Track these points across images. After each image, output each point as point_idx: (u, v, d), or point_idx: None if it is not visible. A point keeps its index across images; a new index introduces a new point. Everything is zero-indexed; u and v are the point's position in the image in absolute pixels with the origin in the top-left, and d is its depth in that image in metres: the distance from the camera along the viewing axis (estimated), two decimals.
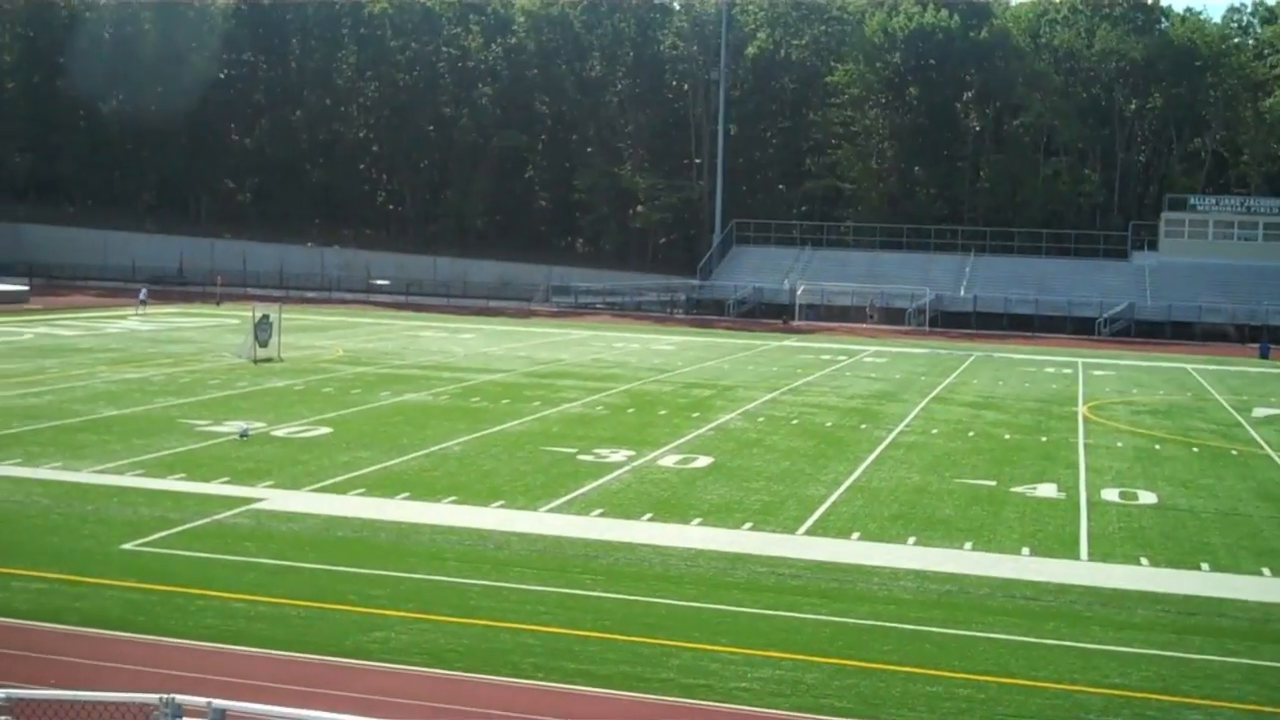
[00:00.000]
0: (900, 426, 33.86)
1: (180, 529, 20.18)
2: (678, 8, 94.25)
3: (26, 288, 73.20)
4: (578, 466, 26.43)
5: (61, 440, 27.39)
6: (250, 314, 45.12)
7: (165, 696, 7.17)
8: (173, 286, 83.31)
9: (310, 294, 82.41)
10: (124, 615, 15.93)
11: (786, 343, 60.75)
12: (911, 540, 21.09)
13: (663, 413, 34.95)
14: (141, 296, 66.98)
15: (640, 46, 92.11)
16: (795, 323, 73.95)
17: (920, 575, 18.91)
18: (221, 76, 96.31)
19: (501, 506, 22.50)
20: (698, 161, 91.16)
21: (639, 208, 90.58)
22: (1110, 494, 25.53)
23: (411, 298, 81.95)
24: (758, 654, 15.26)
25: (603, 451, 28.22)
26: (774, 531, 21.39)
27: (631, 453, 28.20)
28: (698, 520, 21.96)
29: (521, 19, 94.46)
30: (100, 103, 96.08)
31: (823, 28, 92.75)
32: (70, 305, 67.10)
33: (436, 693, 13.91)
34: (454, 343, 53.92)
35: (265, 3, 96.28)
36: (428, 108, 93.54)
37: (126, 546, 19.09)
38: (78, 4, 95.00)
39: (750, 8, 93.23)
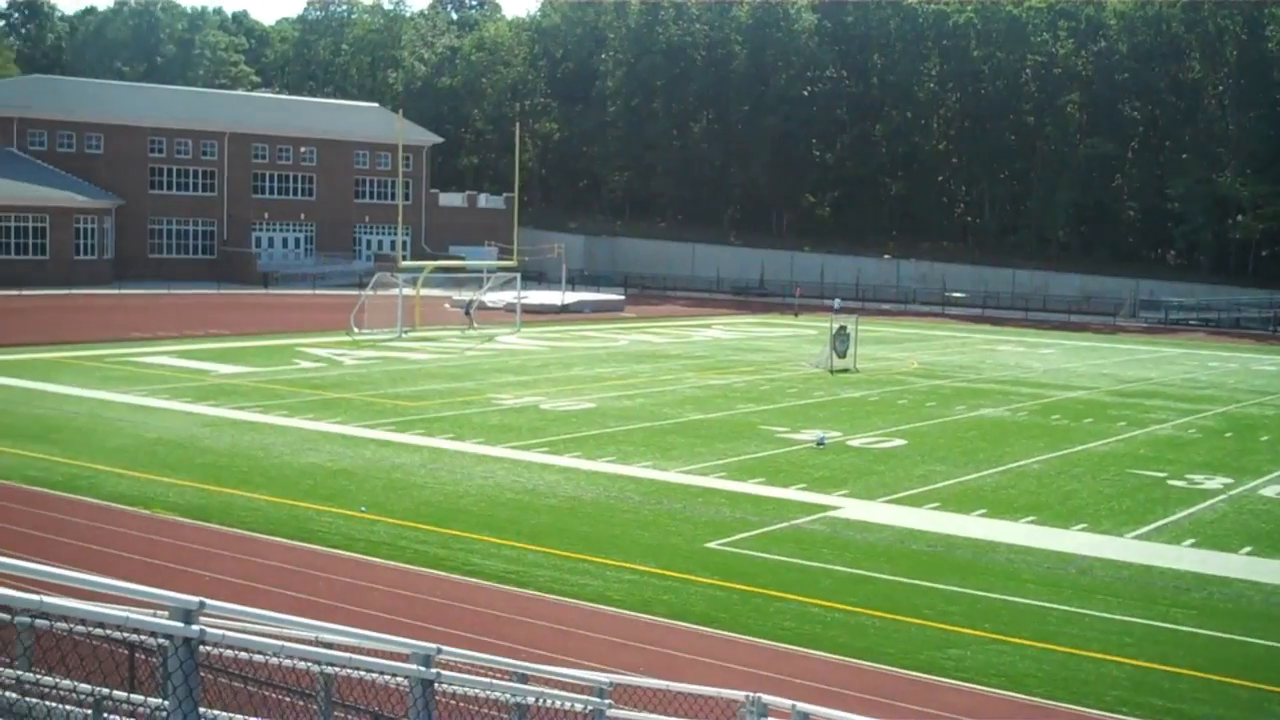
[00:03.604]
0: None
1: (760, 531, 20.76)
2: None
3: (622, 297, 78.67)
4: (1168, 492, 24.83)
5: (652, 441, 29.01)
6: (828, 325, 45.99)
7: (752, 695, 7.26)
8: (753, 297, 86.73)
9: (885, 306, 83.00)
10: (707, 611, 16.56)
11: None
12: None
13: (1265, 438, 32.20)
14: (836, 306, 70.79)
15: (1245, 44, 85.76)
16: None
17: None
18: (805, 94, 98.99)
19: (1083, 529, 21.49)
20: None
21: (1240, 217, 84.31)
22: None
23: (988, 311, 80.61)
24: None
25: (1196, 477, 26.36)
26: None
27: (1229, 480, 26.16)
28: None
29: (1113, 21, 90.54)
30: (691, 122, 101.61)
31: None
32: (661, 314, 71.23)
33: (1014, 717, 13.42)
34: (1033, 358, 52.40)
35: (849, 20, 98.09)
36: (1010, 116, 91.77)
37: (710, 545, 19.86)
38: (675, 31, 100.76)
39: None
